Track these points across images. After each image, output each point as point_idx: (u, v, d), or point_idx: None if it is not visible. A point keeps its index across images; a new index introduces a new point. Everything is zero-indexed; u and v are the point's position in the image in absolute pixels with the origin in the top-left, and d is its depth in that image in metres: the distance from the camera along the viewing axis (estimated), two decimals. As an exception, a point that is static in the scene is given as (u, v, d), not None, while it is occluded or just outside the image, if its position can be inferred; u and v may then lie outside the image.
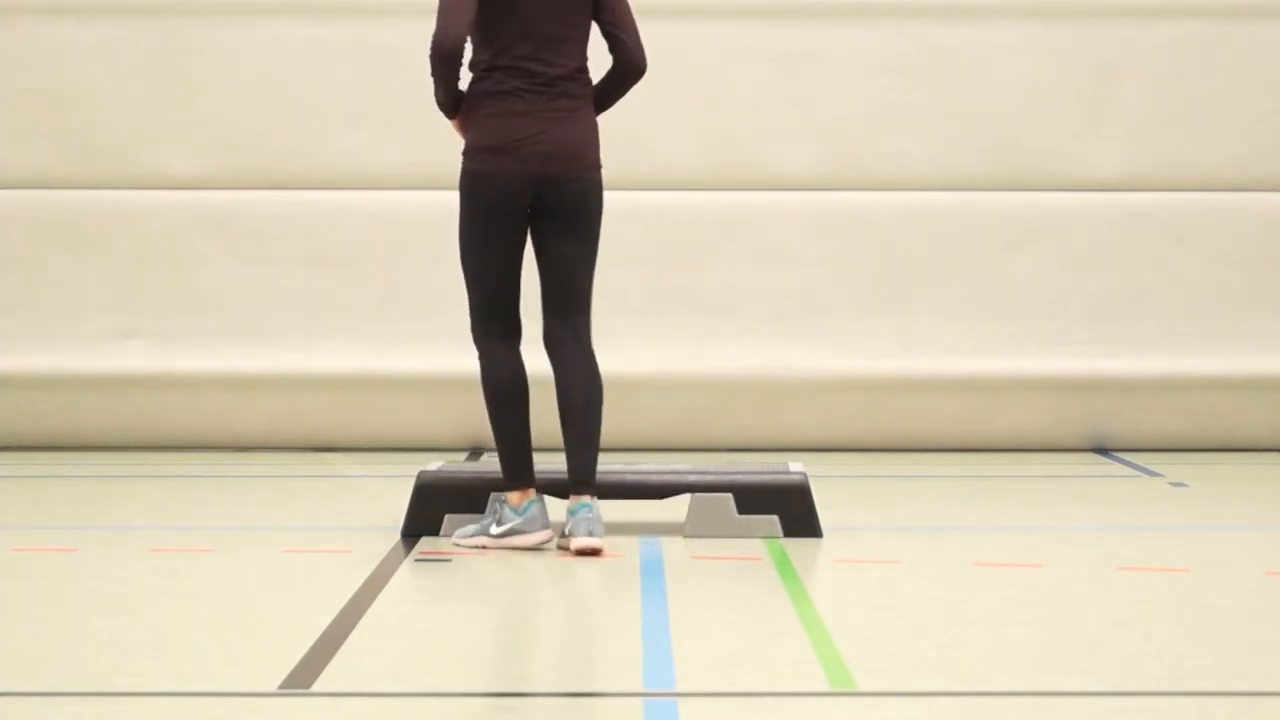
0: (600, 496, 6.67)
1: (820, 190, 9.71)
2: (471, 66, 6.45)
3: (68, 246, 9.64)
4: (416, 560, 6.27)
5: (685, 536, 6.66)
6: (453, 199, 9.58)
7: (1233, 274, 9.69)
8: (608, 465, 6.90)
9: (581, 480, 6.42)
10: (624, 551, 6.38)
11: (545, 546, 6.40)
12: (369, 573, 5.98)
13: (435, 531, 6.66)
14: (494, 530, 6.43)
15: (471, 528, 6.51)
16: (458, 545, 6.47)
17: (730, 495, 6.70)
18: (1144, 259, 9.68)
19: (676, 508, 6.79)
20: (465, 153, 6.41)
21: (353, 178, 9.68)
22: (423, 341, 9.60)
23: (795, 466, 6.92)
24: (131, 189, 9.66)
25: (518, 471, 6.44)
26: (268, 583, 5.97)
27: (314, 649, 4.83)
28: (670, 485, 6.74)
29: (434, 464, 7.00)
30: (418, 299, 9.66)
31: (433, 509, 6.69)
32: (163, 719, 4.23)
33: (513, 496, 6.44)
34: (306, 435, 9.67)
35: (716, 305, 9.65)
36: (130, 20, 9.65)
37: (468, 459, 9.12)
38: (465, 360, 9.67)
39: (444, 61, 6.30)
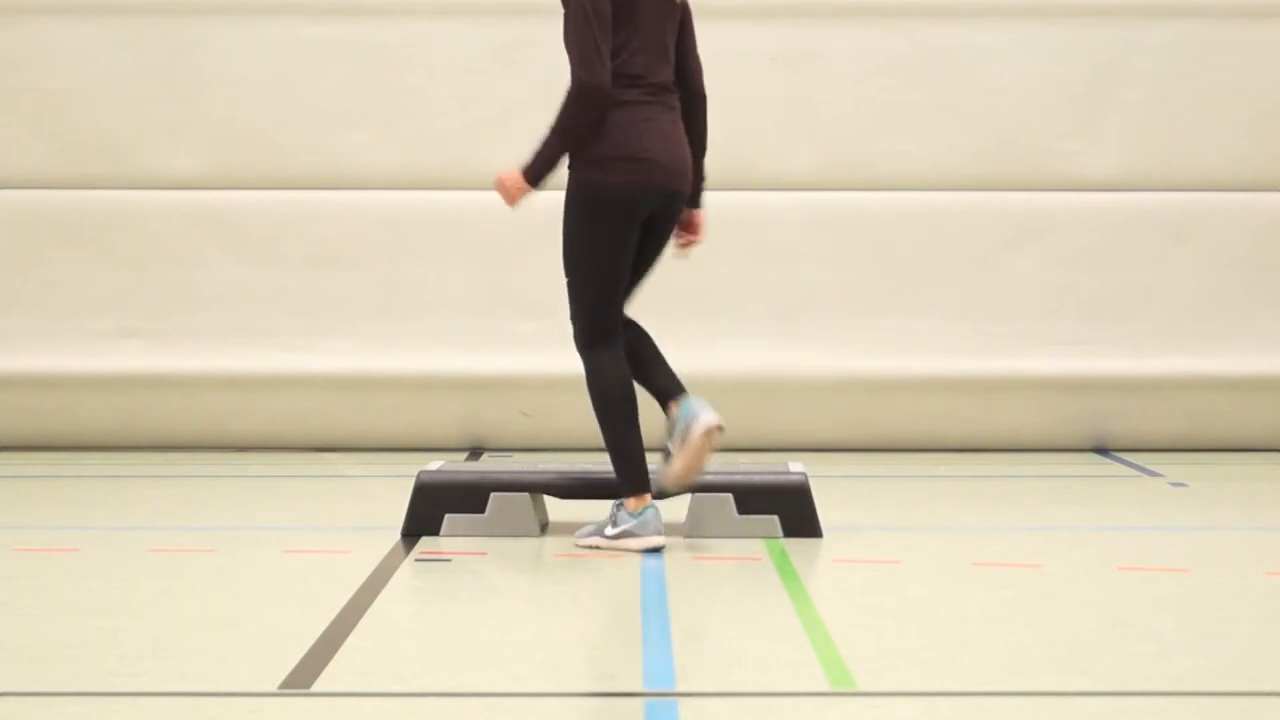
0: (600, 497, 6.68)
1: (820, 190, 9.71)
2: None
3: (68, 246, 9.64)
4: (416, 560, 6.28)
5: (685, 536, 6.66)
6: (452, 199, 9.68)
7: (1233, 274, 9.69)
8: (607, 465, 6.90)
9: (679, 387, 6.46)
10: (623, 551, 6.38)
11: (658, 550, 6.36)
12: (369, 573, 5.98)
13: (435, 531, 6.66)
14: (608, 531, 6.41)
15: (589, 528, 6.50)
16: (576, 545, 6.46)
17: (730, 495, 6.70)
18: (1144, 259, 9.68)
19: (677, 508, 6.79)
20: (593, 161, 6.28)
21: (353, 178, 9.68)
22: (423, 341, 9.60)
23: (795, 466, 6.92)
24: (131, 189, 9.66)
25: (635, 476, 6.39)
26: (268, 583, 5.97)
27: (314, 649, 4.84)
28: (670, 485, 6.73)
29: (434, 464, 7.00)
30: (418, 299, 9.66)
31: (433, 509, 6.69)
32: (163, 719, 4.23)
33: (630, 502, 6.40)
34: (306, 435, 9.67)
35: (716, 305, 9.65)
36: (130, 20, 9.66)
37: (468, 459, 9.13)
38: (465, 360, 9.72)
39: (601, 100, 6.22)
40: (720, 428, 6.32)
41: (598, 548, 6.40)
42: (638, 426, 6.40)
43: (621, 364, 6.42)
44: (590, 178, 6.31)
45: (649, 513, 6.38)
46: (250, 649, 4.92)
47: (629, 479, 6.39)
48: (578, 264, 6.37)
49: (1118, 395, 9.64)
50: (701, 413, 6.31)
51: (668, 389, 6.45)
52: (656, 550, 6.35)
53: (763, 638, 5.09)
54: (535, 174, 6.31)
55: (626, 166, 6.30)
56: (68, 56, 9.64)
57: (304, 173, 9.68)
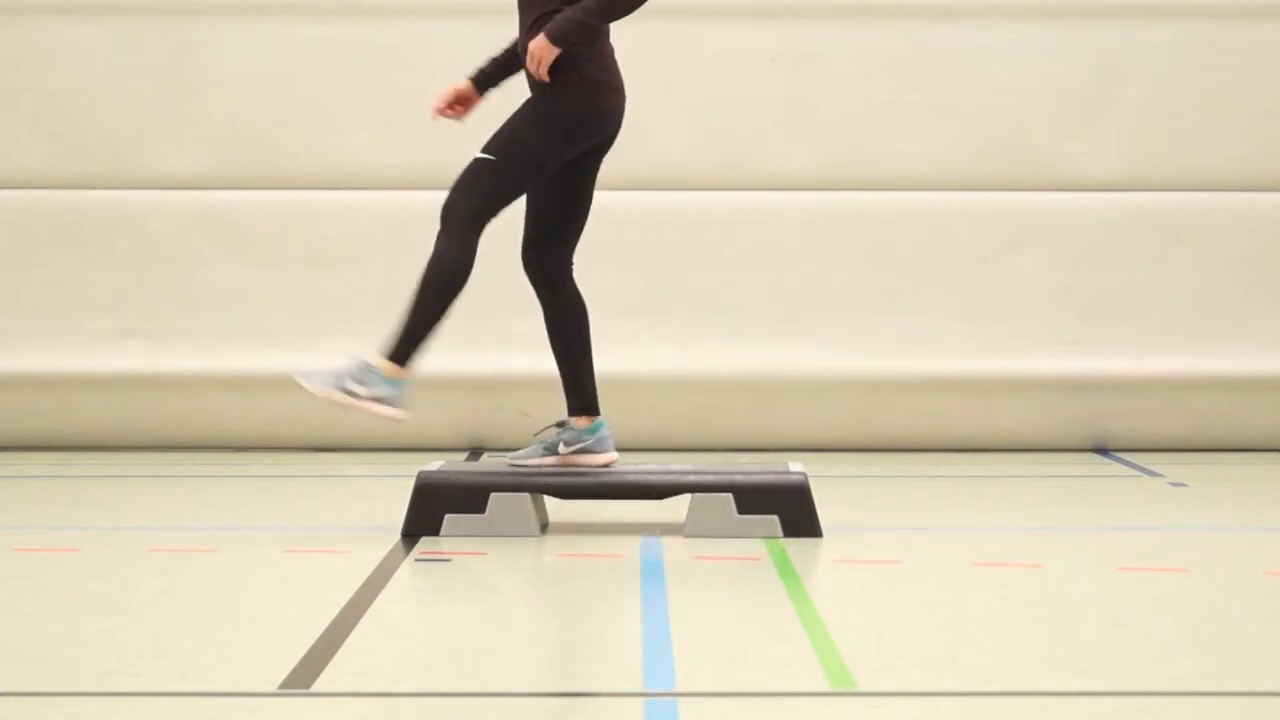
0: (600, 496, 6.69)
1: (820, 190, 9.71)
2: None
3: (68, 246, 9.65)
4: (416, 560, 6.28)
5: (685, 536, 6.66)
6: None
7: (1233, 274, 9.69)
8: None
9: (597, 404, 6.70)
10: (624, 551, 6.38)
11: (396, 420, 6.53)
12: (369, 573, 5.98)
13: (435, 531, 6.66)
14: (354, 388, 6.44)
15: (322, 371, 6.51)
16: (311, 390, 6.52)
17: (730, 495, 6.69)
18: (1144, 259, 9.68)
19: (676, 508, 6.79)
20: (585, 84, 6.44)
21: (353, 178, 9.68)
22: (423, 341, 9.59)
23: (795, 466, 6.92)
24: (131, 189, 9.67)
25: (417, 354, 6.52)
26: (268, 583, 5.97)
27: (314, 649, 4.83)
28: (670, 485, 6.74)
29: (434, 464, 7.00)
30: (418, 299, 9.64)
31: (433, 509, 6.69)
32: (162, 719, 4.23)
33: (397, 369, 6.49)
34: (306, 435, 9.67)
35: (716, 305, 9.66)
36: (130, 20, 9.66)
37: (468, 459, 9.13)
38: (465, 360, 9.71)
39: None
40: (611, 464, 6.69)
41: (339, 404, 6.44)
42: (446, 313, 6.56)
43: (473, 255, 6.56)
44: (581, 97, 6.47)
45: (406, 386, 6.48)
46: (250, 649, 4.92)
47: (413, 353, 6.50)
48: (514, 159, 6.48)
49: (1118, 395, 9.64)
50: (609, 446, 6.67)
51: (590, 398, 6.69)
52: (395, 420, 6.51)
53: (763, 638, 5.09)
54: (565, 42, 6.39)
55: (611, 94, 6.53)
56: (68, 56, 9.64)
57: (304, 173, 9.68)
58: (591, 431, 6.65)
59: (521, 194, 6.57)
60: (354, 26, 9.70)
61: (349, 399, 6.44)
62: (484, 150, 6.54)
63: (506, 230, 9.75)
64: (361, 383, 6.45)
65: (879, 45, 9.69)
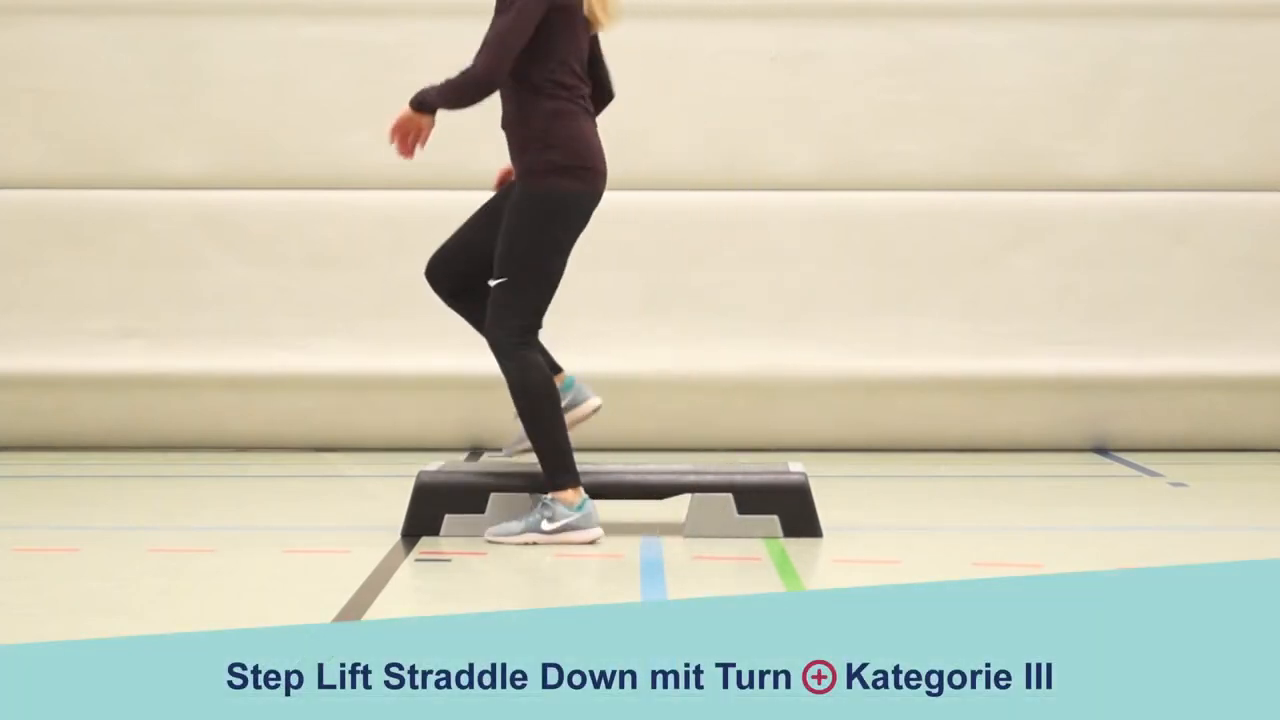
0: (600, 496, 6.69)
1: (820, 190, 9.72)
2: (525, 80, 6.50)
3: (68, 246, 9.65)
4: (416, 560, 6.28)
5: (685, 536, 6.66)
6: (452, 199, 9.68)
7: (1233, 274, 9.69)
8: (608, 465, 6.91)
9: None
10: (624, 551, 6.38)
11: (598, 542, 6.48)
12: (369, 573, 5.98)
13: (435, 531, 6.67)
14: (546, 526, 6.47)
15: (514, 524, 6.52)
16: (493, 541, 6.50)
17: (730, 495, 6.70)
18: (1144, 259, 9.69)
19: (676, 508, 6.79)
20: (556, 170, 6.47)
21: (353, 178, 9.68)
22: (423, 341, 9.60)
23: (795, 466, 6.92)
24: (131, 189, 9.67)
25: (571, 469, 6.52)
26: (268, 583, 5.97)
27: (314, 649, 4.83)
28: (670, 485, 6.74)
29: (434, 464, 7.00)
30: (418, 299, 9.62)
31: (433, 509, 6.69)
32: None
33: (568, 495, 6.50)
34: (306, 435, 9.67)
35: (716, 305, 9.66)
36: (130, 20, 9.66)
37: (468, 459, 9.13)
38: (465, 360, 9.71)
39: (488, 92, 6.53)
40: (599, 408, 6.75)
41: (534, 543, 6.45)
42: (564, 420, 6.56)
43: (542, 362, 6.57)
44: (558, 185, 6.49)
45: (589, 505, 6.51)
46: (250, 649, 4.91)
47: (567, 472, 6.50)
48: (529, 265, 6.49)
49: (1118, 395, 9.64)
50: (590, 394, 6.72)
51: (551, 363, 6.70)
52: (593, 543, 6.45)
53: (763, 638, 5.08)
54: (420, 107, 6.68)
55: (586, 175, 6.53)
56: (68, 56, 9.64)
57: (304, 173, 9.68)
58: (577, 508, 6.61)
59: (551, 292, 6.55)
60: (354, 26, 9.70)
61: (546, 537, 6.49)
62: (496, 275, 6.55)
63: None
64: (550, 519, 6.50)
65: (879, 45, 9.70)
